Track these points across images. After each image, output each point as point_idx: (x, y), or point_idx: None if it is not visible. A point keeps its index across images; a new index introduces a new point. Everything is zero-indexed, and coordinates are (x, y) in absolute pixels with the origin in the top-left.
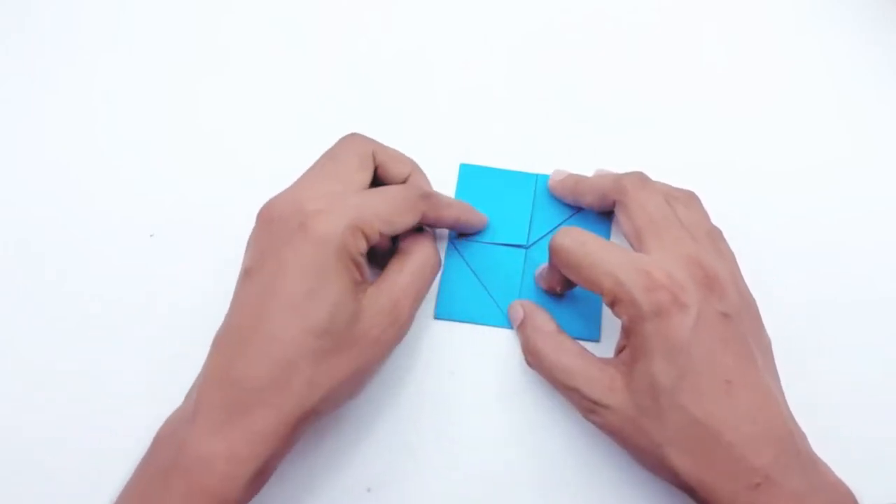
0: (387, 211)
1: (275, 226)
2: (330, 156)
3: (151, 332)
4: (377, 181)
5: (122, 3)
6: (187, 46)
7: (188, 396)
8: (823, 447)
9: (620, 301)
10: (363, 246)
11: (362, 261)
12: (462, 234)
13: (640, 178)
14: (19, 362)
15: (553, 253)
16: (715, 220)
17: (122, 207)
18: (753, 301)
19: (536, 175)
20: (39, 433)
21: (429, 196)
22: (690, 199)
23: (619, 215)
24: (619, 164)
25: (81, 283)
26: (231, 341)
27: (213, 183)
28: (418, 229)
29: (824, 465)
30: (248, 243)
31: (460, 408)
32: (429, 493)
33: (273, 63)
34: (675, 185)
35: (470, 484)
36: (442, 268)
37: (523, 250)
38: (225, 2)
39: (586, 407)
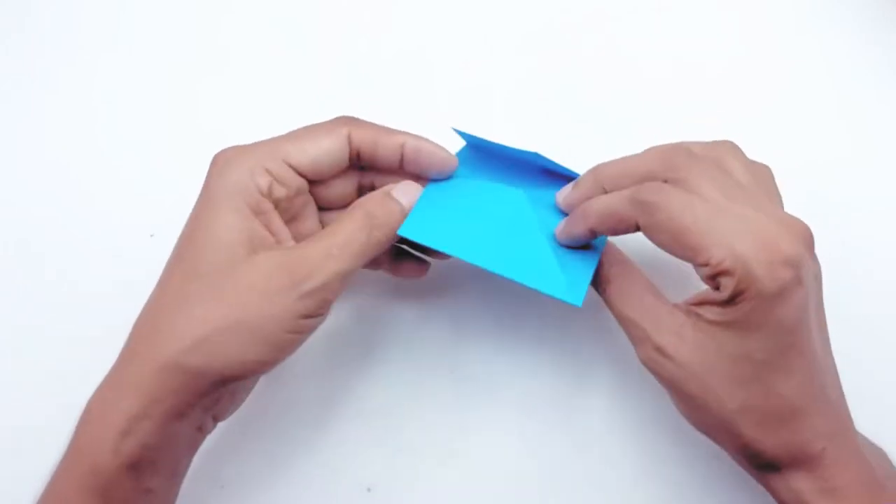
0: (298, 138)
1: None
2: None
3: None
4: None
5: (122, 3)
6: (187, 46)
7: None
8: None
9: (731, 275)
10: (264, 184)
11: (269, 209)
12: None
13: (687, 151)
14: (19, 362)
15: (642, 210)
16: None
17: (122, 207)
18: None
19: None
20: (39, 433)
21: (355, 118)
22: (730, 148)
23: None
24: None
25: (81, 283)
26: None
27: None
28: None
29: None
30: None
31: (460, 407)
32: (429, 493)
33: (273, 63)
34: None
35: (470, 484)
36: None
37: (524, 192)
38: (225, 2)
39: (646, 354)
